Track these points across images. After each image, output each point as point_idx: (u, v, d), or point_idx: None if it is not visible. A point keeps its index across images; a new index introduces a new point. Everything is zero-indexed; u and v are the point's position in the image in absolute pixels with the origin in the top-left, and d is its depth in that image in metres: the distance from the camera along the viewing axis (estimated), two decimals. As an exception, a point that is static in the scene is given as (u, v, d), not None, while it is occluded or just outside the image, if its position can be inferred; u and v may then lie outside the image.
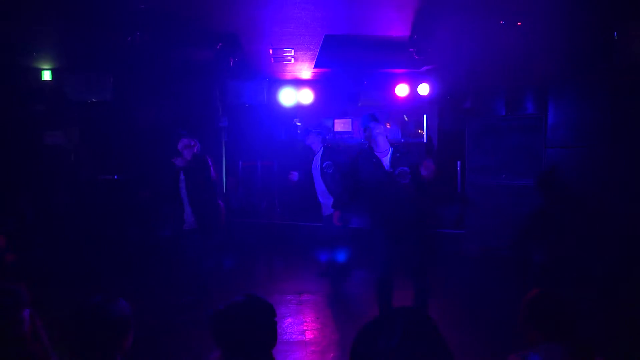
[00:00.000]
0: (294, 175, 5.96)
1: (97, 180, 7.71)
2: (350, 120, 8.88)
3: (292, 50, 6.52)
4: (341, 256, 5.50)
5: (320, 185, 5.77)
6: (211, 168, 5.12)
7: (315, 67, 7.39)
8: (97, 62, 7.35)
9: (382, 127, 4.24)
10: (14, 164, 7.18)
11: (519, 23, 5.03)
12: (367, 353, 1.15)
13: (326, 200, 5.63)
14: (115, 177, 7.83)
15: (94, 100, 7.72)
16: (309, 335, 4.39)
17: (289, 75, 8.20)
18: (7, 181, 6.87)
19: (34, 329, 2.33)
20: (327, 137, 6.77)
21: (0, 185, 6.72)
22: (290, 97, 8.40)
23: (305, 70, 7.80)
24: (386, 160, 4.09)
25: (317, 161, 5.83)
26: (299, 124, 8.87)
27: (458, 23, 5.24)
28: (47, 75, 7.52)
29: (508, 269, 5.97)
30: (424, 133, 8.39)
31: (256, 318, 1.79)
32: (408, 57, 6.21)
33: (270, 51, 6.55)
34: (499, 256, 6.39)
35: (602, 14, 4.98)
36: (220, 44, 5.99)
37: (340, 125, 8.93)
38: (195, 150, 5.06)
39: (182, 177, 5.01)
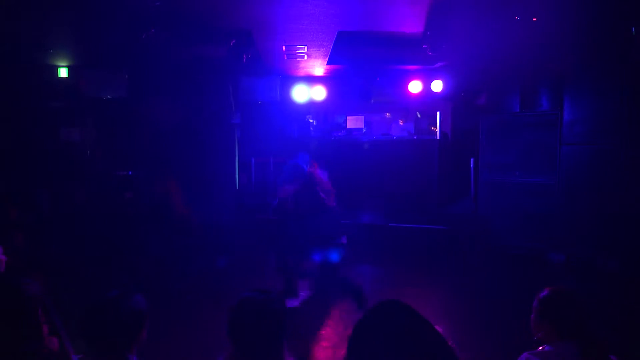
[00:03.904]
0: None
1: (112, 176, 7.81)
2: (363, 117, 8.86)
3: (305, 47, 6.52)
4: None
5: None
6: None
7: (328, 63, 7.39)
8: (112, 59, 7.44)
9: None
10: (32, 160, 7.31)
11: (534, 19, 4.97)
12: (365, 347, 1.16)
13: None
14: (130, 172, 7.93)
15: (109, 96, 7.82)
16: (320, 331, 4.41)
17: (301, 72, 8.21)
18: (25, 176, 7.00)
19: (50, 321, 2.38)
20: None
21: (18, 180, 6.85)
22: (303, 93, 8.41)
23: (318, 67, 7.80)
24: None
25: None
26: (311, 120, 8.88)
27: (472, 19, 5.20)
28: (63, 73, 7.64)
29: (521, 267, 5.93)
30: (437, 130, 8.34)
31: (268, 313, 1.81)
32: (421, 54, 6.17)
33: (284, 48, 6.56)
34: (512, 254, 6.34)
35: (620, 9, 4.89)
36: (234, 40, 6.01)
37: (353, 122, 8.91)
38: None
39: None
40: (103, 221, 6.93)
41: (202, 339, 4.11)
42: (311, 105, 8.64)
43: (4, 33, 5.91)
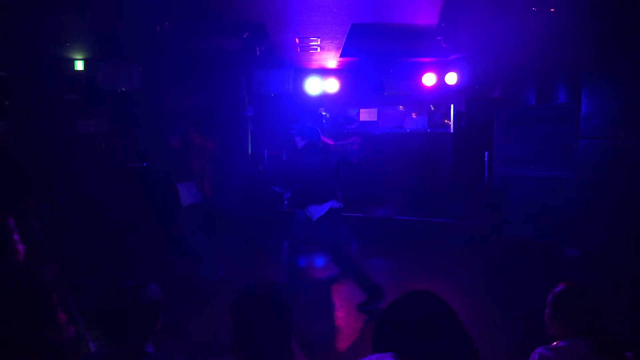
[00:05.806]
0: None
1: (126, 168, 7.90)
2: (376, 109, 8.82)
3: (319, 39, 6.49)
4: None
5: None
6: None
7: (341, 56, 7.35)
8: (127, 52, 7.50)
9: None
10: (49, 152, 7.42)
11: (552, 9, 4.89)
12: (392, 331, 1.17)
13: None
14: (144, 164, 8.00)
15: (124, 89, 7.90)
16: (333, 323, 4.43)
17: (314, 65, 8.19)
18: (42, 168, 7.11)
19: (68, 311, 2.42)
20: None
21: (35, 172, 6.96)
22: (316, 86, 8.39)
23: (331, 60, 7.77)
24: None
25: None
26: (324, 113, 8.87)
27: (487, 10, 5.12)
28: (79, 65, 7.72)
29: (535, 262, 5.88)
30: (451, 123, 8.27)
31: (274, 307, 1.75)
32: (435, 46, 6.11)
33: (297, 40, 6.54)
34: (526, 249, 6.28)
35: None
36: (247, 33, 6.01)
37: (366, 114, 8.88)
38: None
39: None
40: (117, 211, 7.02)
41: (214, 328, 4.15)
42: (324, 98, 8.63)
43: (22, 27, 5.99)
